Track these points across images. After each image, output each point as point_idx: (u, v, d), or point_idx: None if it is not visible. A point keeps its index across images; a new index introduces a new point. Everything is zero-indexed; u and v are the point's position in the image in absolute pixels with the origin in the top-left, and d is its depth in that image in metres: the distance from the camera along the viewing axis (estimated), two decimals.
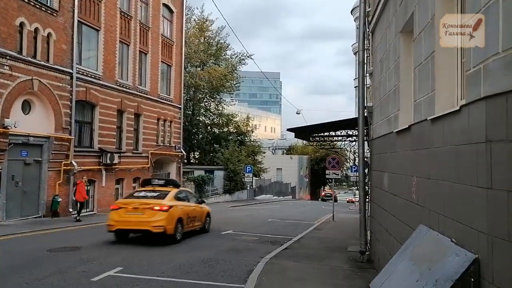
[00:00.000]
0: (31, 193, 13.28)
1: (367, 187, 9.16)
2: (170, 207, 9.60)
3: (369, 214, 8.72)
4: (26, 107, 13.15)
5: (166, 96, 22.35)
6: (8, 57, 12.02)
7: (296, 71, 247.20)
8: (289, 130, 18.75)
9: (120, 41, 18.04)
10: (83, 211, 14.23)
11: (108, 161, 16.61)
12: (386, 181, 6.56)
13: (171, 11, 22.94)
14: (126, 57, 18.71)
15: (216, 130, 35.78)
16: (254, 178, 35.50)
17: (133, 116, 19.08)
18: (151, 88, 20.61)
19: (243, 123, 37.93)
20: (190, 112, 32.68)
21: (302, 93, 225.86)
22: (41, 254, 7.73)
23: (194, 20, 34.87)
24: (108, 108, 17.19)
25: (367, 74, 9.26)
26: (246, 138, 37.54)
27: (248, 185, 33.65)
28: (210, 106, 35.06)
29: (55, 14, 13.82)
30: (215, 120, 35.67)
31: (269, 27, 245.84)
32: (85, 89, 15.66)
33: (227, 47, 35.78)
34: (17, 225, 11.63)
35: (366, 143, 9.48)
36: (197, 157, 35.58)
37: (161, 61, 21.73)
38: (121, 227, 9.39)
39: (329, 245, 10.62)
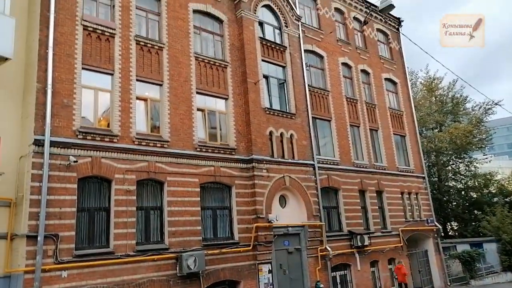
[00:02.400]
0: (297, 280, 14.44)
1: None
2: None
3: None
4: (282, 201, 15.05)
5: (406, 167, 21.30)
6: (264, 162, 14.42)
7: None
8: None
9: (350, 124, 18.99)
10: None
11: (359, 243, 16.55)
12: None
13: (394, 83, 22.88)
14: (358, 138, 19.36)
15: (474, 194, 30.83)
16: None
17: (375, 194, 18.86)
18: (388, 162, 20.19)
19: (508, 180, 31.36)
20: (435, 179, 29.83)
21: None
22: None
23: (421, 82, 33.59)
24: (350, 190, 17.68)
25: None
26: None
27: None
28: (459, 168, 31.07)
29: (293, 118, 16.04)
30: (469, 183, 31.04)
31: None
32: (326, 176, 16.81)
33: (465, 100, 32.09)
34: None
35: None
36: (455, 228, 31.15)
37: (393, 134, 21.31)
38: None
39: None
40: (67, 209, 9.90)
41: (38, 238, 9.17)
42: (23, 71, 10.73)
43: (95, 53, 11.46)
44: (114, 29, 11.94)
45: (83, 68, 11.09)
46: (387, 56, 23.11)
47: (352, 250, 16.61)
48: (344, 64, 19.98)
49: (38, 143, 9.77)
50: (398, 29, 24.32)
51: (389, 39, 23.71)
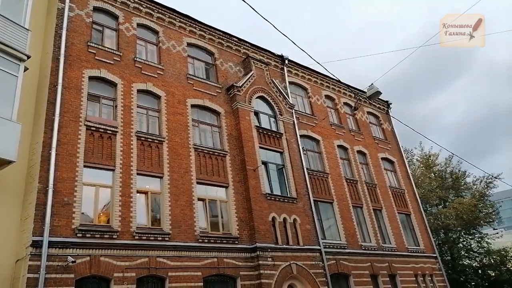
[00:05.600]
0: None
1: None
2: None
3: None
4: None
5: (415, 247, 20.50)
6: (269, 250, 13.89)
7: None
8: None
9: (353, 205, 18.76)
10: None
11: None
12: None
13: (390, 162, 23.19)
14: (362, 219, 18.97)
15: (491, 273, 29.15)
16: None
17: (387, 279, 17.82)
18: (397, 243, 19.49)
19: None
20: (448, 258, 28.47)
21: None
22: None
23: (417, 159, 33.91)
24: (361, 276, 16.76)
25: None
26: None
27: None
28: (470, 245, 29.86)
29: (295, 202, 15.89)
30: (484, 261, 29.54)
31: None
32: (334, 261, 16.08)
33: (464, 174, 32.12)
34: None
35: None
36: None
37: (397, 212, 20.94)
38: None
39: None
40: None
41: None
42: (25, 172, 10.91)
43: (97, 150, 11.79)
44: (116, 127, 12.45)
45: (84, 166, 11.31)
46: (381, 137, 23.78)
47: None
48: (340, 146, 20.46)
49: (36, 244, 9.51)
50: (387, 112, 25.43)
51: (380, 120, 24.65)
